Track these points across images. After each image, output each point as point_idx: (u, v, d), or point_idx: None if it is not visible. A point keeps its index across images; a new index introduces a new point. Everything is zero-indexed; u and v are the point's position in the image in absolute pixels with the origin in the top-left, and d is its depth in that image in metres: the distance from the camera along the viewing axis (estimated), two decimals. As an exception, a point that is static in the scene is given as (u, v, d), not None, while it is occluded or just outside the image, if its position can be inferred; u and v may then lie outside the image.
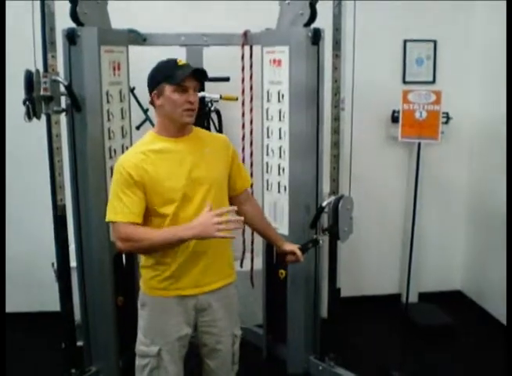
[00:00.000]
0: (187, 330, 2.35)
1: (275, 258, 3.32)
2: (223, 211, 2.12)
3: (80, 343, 3.18)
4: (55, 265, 3.16)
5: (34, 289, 4.06)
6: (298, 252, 2.53)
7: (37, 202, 3.74)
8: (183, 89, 2.16)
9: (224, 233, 2.07)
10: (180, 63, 2.20)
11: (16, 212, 3.83)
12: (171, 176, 2.19)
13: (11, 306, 3.14)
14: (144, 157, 2.17)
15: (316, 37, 2.92)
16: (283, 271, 3.26)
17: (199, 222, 2.08)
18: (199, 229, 2.07)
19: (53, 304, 3.26)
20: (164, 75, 2.19)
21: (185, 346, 2.39)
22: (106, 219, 2.19)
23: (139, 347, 2.35)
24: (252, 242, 3.56)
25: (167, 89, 2.17)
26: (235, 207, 2.22)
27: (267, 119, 3.18)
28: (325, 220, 2.89)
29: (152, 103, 2.25)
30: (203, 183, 2.23)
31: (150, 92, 2.23)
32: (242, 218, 2.19)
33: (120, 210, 2.14)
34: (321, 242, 2.64)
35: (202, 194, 2.22)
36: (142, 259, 2.34)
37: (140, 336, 2.36)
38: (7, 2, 3.16)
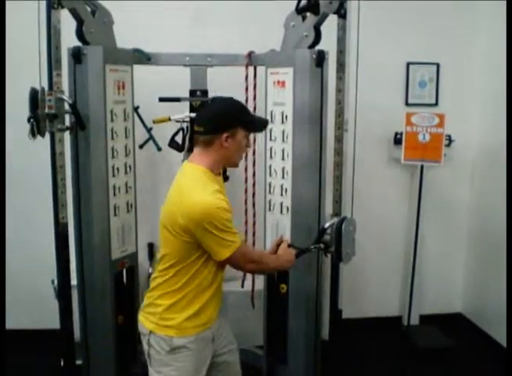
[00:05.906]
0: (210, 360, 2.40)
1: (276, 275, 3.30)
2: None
3: (79, 362, 3.16)
4: (55, 282, 3.16)
5: (34, 306, 4.03)
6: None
7: (39, 219, 3.75)
8: (248, 136, 2.29)
9: None
10: (252, 112, 2.36)
11: (17, 229, 3.82)
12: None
13: (10, 323, 3.12)
14: (221, 195, 2.16)
15: (320, 59, 2.93)
16: (284, 285, 3.24)
17: (285, 252, 2.44)
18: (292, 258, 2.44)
19: (53, 321, 3.25)
20: (241, 120, 2.24)
21: None
22: (231, 252, 2.15)
23: None
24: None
25: (240, 134, 2.23)
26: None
27: (270, 140, 3.18)
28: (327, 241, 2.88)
29: (212, 140, 2.20)
30: None
31: (221, 131, 2.18)
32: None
33: (234, 238, 2.16)
34: (313, 250, 2.63)
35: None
36: (167, 302, 2.26)
37: None
38: (12, 21, 3.19)
